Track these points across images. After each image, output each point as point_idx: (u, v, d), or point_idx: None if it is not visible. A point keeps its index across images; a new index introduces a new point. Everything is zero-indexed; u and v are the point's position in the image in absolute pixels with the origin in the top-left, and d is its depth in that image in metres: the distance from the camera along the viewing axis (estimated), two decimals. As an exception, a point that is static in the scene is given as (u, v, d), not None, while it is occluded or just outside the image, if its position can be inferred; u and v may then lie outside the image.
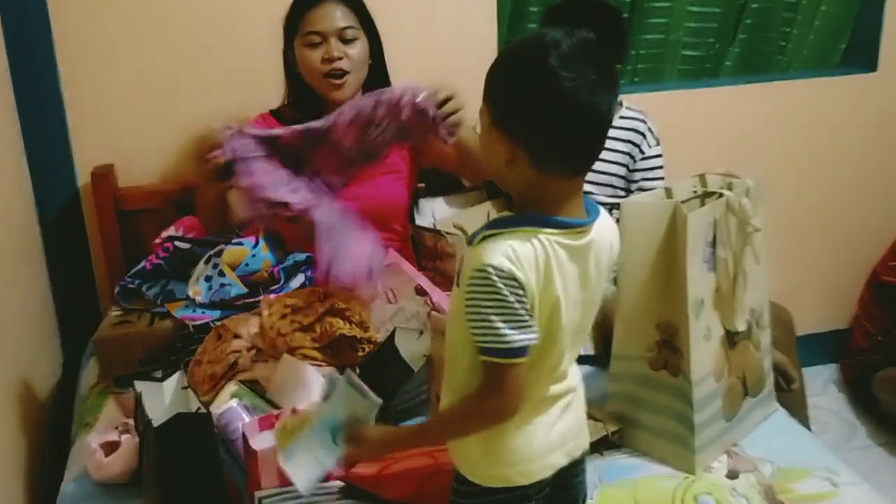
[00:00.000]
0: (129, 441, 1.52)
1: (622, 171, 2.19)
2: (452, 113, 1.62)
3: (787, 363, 1.97)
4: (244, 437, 1.43)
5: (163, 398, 1.60)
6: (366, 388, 1.22)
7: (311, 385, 1.56)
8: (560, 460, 1.20)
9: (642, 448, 1.57)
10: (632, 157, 2.19)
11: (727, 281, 1.55)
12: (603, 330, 1.73)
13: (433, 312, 1.63)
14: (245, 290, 1.84)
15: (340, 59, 1.92)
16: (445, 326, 1.45)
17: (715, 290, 1.54)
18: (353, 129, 1.62)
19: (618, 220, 1.44)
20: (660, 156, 2.21)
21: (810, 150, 2.72)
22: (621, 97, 2.25)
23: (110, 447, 1.53)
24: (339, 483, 1.44)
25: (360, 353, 1.69)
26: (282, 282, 1.86)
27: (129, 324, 1.86)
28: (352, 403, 1.22)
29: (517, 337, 1.06)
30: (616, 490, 1.46)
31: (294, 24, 1.96)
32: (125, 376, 1.77)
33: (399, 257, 1.85)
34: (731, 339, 1.59)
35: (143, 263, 1.98)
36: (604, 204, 2.13)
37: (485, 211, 2.13)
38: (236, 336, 1.70)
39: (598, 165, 2.15)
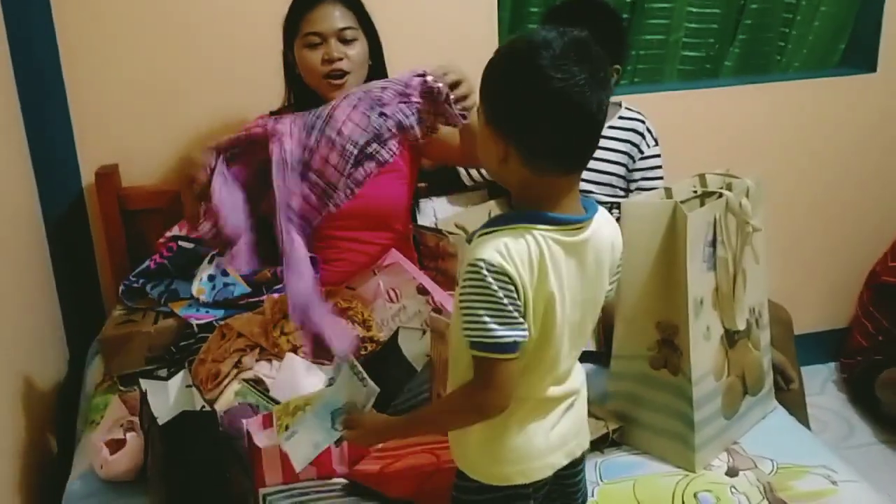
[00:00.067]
0: (134, 439, 1.53)
1: (621, 170, 2.20)
2: (463, 96, 1.61)
3: (785, 363, 1.98)
4: (248, 434, 1.44)
5: (167, 396, 1.61)
6: (365, 375, 1.24)
7: (313, 383, 1.58)
8: (560, 460, 1.21)
9: (643, 446, 1.58)
10: (631, 157, 2.20)
11: (727, 280, 1.56)
12: (605, 326, 1.74)
13: (432, 313, 1.64)
14: (248, 289, 1.85)
15: (340, 59, 1.93)
16: (444, 327, 1.47)
17: (715, 289, 1.55)
18: (357, 112, 1.59)
19: (618, 220, 1.45)
20: (659, 156, 2.22)
21: (810, 151, 2.72)
22: (620, 98, 2.26)
23: (116, 445, 1.54)
24: (342, 480, 1.46)
25: (363, 352, 1.70)
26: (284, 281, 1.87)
27: (134, 323, 1.87)
28: (352, 389, 1.25)
29: (504, 332, 1.07)
30: (617, 488, 1.47)
31: (293, 26, 1.97)
32: (130, 375, 1.79)
33: (401, 257, 1.86)
34: (731, 338, 1.60)
35: (147, 263, 1.99)
36: (603, 203, 2.14)
37: (487, 210, 2.13)
38: (240, 335, 1.71)
39: (597, 165, 2.16)
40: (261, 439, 1.42)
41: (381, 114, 1.57)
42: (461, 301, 1.09)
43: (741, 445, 1.60)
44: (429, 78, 1.58)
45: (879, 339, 2.75)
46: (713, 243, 1.53)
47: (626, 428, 1.59)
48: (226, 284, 1.86)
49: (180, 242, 1.97)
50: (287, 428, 1.27)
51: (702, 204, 1.60)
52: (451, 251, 1.98)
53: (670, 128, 2.34)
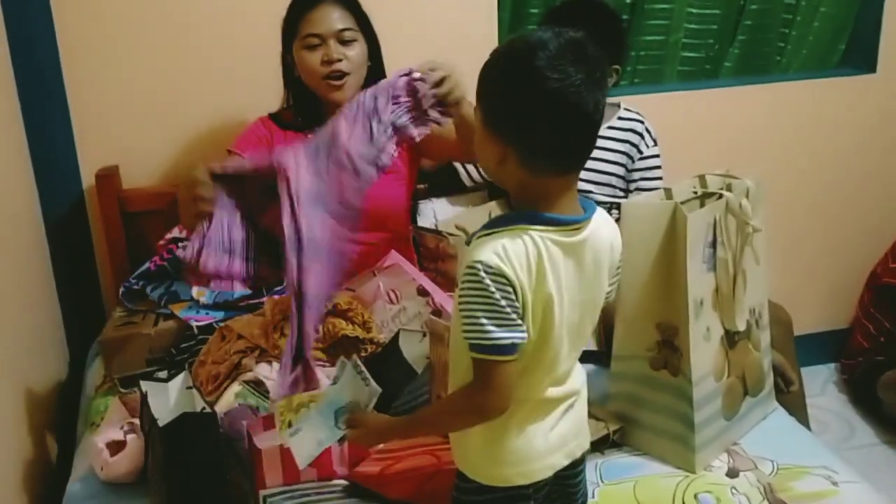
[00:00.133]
0: (134, 441, 1.53)
1: (621, 171, 2.20)
2: (447, 94, 1.60)
3: (785, 365, 1.98)
4: (248, 436, 1.44)
5: (168, 398, 1.61)
6: (368, 375, 1.25)
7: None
8: (560, 461, 1.21)
9: (643, 447, 1.58)
10: (630, 157, 2.20)
11: (727, 281, 1.56)
12: (605, 326, 1.74)
13: (431, 316, 1.64)
14: (248, 290, 1.85)
15: (339, 60, 1.93)
16: (443, 329, 1.47)
17: (715, 290, 1.55)
18: (359, 126, 1.57)
19: (617, 220, 1.45)
20: (658, 156, 2.23)
21: (809, 151, 2.72)
22: (619, 99, 2.26)
23: (116, 447, 1.54)
24: (342, 482, 1.46)
25: (363, 354, 1.70)
26: (284, 283, 1.87)
27: (134, 325, 1.88)
28: (355, 389, 1.25)
29: (502, 334, 1.07)
30: (617, 489, 1.47)
31: (292, 27, 1.97)
32: (130, 377, 1.79)
33: (401, 258, 1.86)
34: (731, 338, 1.60)
35: (147, 265, 1.99)
36: (603, 203, 2.14)
37: (487, 211, 2.13)
38: (240, 337, 1.72)
39: (596, 165, 2.17)
40: (261, 441, 1.42)
41: (379, 120, 1.56)
42: (460, 303, 1.09)
43: (741, 446, 1.60)
44: (415, 74, 1.58)
45: (881, 340, 2.75)
46: (713, 244, 1.54)
47: (627, 429, 1.59)
48: (226, 286, 1.86)
49: (180, 244, 1.97)
50: (290, 424, 1.28)
51: (702, 205, 1.60)
52: (451, 252, 1.98)
53: (670, 128, 2.34)
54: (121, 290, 1.98)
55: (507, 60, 1.11)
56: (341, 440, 1.28)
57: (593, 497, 1.41)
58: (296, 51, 1.97)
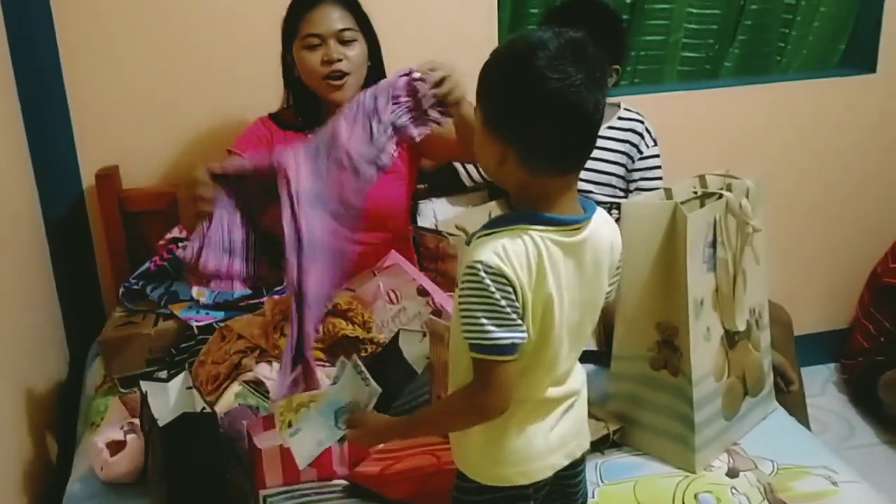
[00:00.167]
0: (134, 441, 1.53)
1: (621, 170, 2.21)
2: (447, 94, 1.60)
3: (785, 365, 1.98)
4: (248, 436, 1.44)
5: (168, 398, 1.61)
6: (368, 375, 1.25)
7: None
8: (560, 461, 1.21)
9: (643, 447, 1.58)
10: (630, 157, 2.21)
11: (727, 281, 1.56)
12: (606, 325, 1.74)
13: (431, 316, 1.64)
14: (248, 290, 1.85)
15: (339, 60, 1.93)
16: (442, 330, 1.47)
17: (715, 290, 1.55)
18: (359, 126, 1.56)
19: (617, 220, 1.45)
20: (658, 156, 2.23)
21: (809, 151, 2.73)
22: (619, 99, 2.26)
23: (116, 447, 1.54)
24: (342, 482, 1.46)
25: (363, 354, 1.70)
26: (284, 283, 1.87)
27: (134, 325, 1.88)
28: (355, 389, 1.25)
29: (502, 334, 1.07)
30: (617, 489, 1.47)
31: (292, 27, 1.97)
32: (130, 377, 1.79)
33: (401, 258, 1.86)
34: (731, 338, 1.60)
35: (147, 265, 2.00)
36: (603, 203, 2.15)
37: (487, 211, 2.13)
38: (240, 337, 1.72)
39: (597, 165, 2.17)
40: (261, 441, 1.42)
41: (379, 120, 1.56)
42: (460, 303, 1.09)
43: (741, 446, 1.60)
44: (415, 74, 1.58)
45: (881, 340, 2.75)
46: (713, 244, 1.54)
47: (627, 429, 1.59)
48: (226, 286, 1.86)
49: (180, 244, 1.97)
50: (290, 424, 1.28)
51: (702, 205, 1.60)
52: (451, 252, 1.98)
53: (670, 128, 2.34)
54: (121, 290, 1.98)
55: (508, 60, 1.11)
56: (341, 440, 1.28)
57: (593, 497, 1.41)
58: (296, 51, 1.97)
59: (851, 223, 2.84)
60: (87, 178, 2.22)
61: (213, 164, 1.55)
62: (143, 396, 1.52)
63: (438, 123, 1.63)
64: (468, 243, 1.14)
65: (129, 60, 2.20)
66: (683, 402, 1.51)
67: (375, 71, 2.02)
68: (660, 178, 2.21)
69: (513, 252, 1.08)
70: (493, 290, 1.06)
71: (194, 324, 1.84)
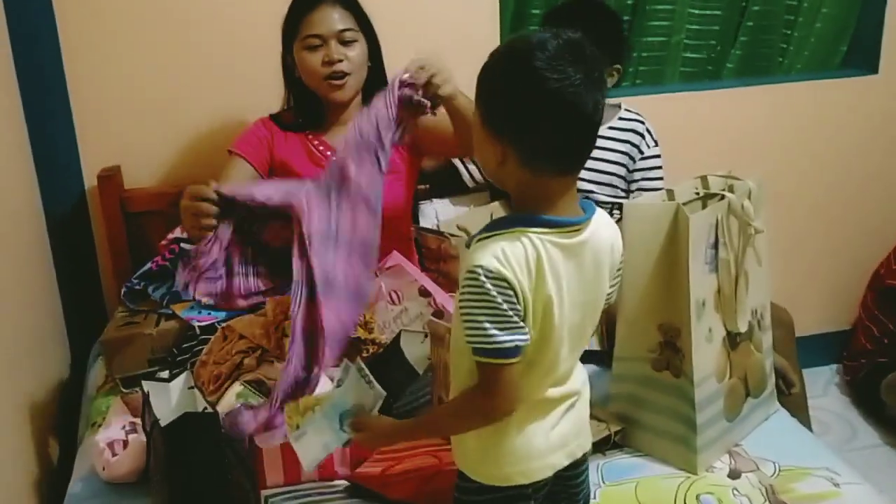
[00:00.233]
0: (136, 441, 1.53)
1: (622, 171, 2.21)
2: (438, 89, 1.61)
3: (787, 367, 1.98)
4: (250, 436, 1.44)
5: (169, 398, 1.61)
6: (372, 378, 1.25)
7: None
8: (560, 461, 1.21)
9: (645, 448, 1.58)
10: (631, 157, 2.21)
11: (729, 282, 1.56)
12: (608, 326, 1.74)
13: (432, 318, 1.64)
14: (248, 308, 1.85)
15: (340, 61, 1.93)
16: (443, 331, 1.47)
17: (717, 291, 1.55)
18: (367, 161, 1.57)
19: (619, 221, 1.45)
20: (658, 156, 2.23)
21: (811, 152, 2.72)
22: (619, 100, 2.27)
23: (118, 447, 1.54)
24: (343, 482, 1.46)
25: (365, 355, 1.70)
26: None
27: (136, 325, 1.88)
28: (359, 392, 1.25)
29: (505, 338, 1.07)
30: (618, 490, 1.47)
31: (292, 28, 1.97)
32: (132, 377, 1.79)
33: (403, 258, 1.86)
34: (733, 340, 1.59)
35: (148, 265, 1.99)
36: (605, 203, 2.16)
37: (489, 212, 2.13)
38: (241, 337, 1.71)
39: (598, 165, 2.17)
40: (262, 441, 1.42)
41: (384, 149, 1.56)
42: (461, 308, 1.10)
43: (743, 447, 1.60)
44: (404, 76, 1.58)
45: (884, 342, 2.74)
46: (715, 245, 1.53)
47: (628, 430, 1.59)
48: (227, 286, 1.86)
49: (182, 244, 1.97)
50: (298, 427, 1.28)
51: (704, 206, 1.60)
52: (452, 253, 1.98)
53: (672, 129, 2.34)
54: (122, 290, 1.98)
55: (507, 61, 1.11)
56: (346, 443, 1.28)
57: (595, 498, 1.41)
58: (296, 51, 1.97)
59: (853, 224, 2.84)
60: (89, 178, 2.23)
61: (224, 185, 1.57)
62: (145, 396, 1.52)
63: (426, 112, 1.63)
64: (468, 246, 1.15)
65: (131, 60, 2.20)
66: (685, 404, 1.51)
67: (376, 71, 2.02)
68: (660, 179, 2.22)
69: (512, 255, 1.08)
70: (494, 293, 1.06)
71: (196, 324, 1.84)
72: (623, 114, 2.24)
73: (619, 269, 1.25)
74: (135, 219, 2.21)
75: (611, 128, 2.20)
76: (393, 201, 2.04)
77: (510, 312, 1.07)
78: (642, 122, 2.23)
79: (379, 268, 1.87)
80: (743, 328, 1.58)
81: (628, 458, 1.56)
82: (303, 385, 1.43)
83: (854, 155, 2.76)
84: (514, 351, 1.09)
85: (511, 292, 1.07)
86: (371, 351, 1.71)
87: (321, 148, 2.04)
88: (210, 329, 1.81)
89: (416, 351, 1.64)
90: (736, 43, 2.69)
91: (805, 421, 2.12)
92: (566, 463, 1.22)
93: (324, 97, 2.00)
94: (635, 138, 2.21)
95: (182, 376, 1.68)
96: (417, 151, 2.08)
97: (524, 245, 1.09)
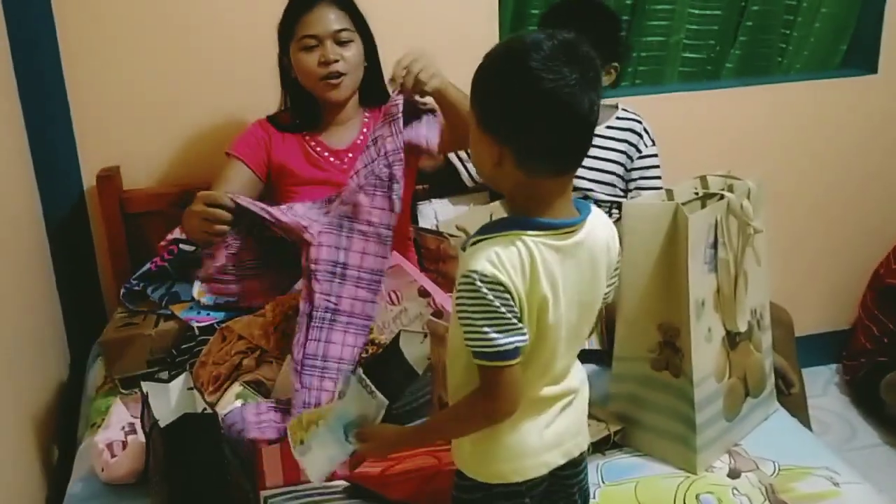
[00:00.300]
0: (135, 441, 1.53)
1: (621, 170, 2.21)
2: (426, 84, 1.64)
3: (787, 367, 1.98)
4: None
5: (169, 399, 1.61)
6: (374, 388, 1.25)
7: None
8: (556, 459, 1.21)
9: (644, 448, 1.58)
10: (629, 156, 2.21)
11: (728, 282, 1.56)
12: (608, 325, 1.74)
13: (431, 318, 1.64)
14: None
15: (336, 61, 1.93)
16: (443, 331, 1.47)
17: (716, 291, 1.55)
18: (378, 197, 1.60)
19: (618, 220, 1.45)
20: (656, 155, 2.24)
21: (811, 152, 2.72)
22: (616, 100, 2.27)
23: (117, 448, 1.54)
24: (343, 483, 1.46)
25: (364, 355, 1.70)
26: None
27: (135, 325, 1.88)
28: (362, 402, 1.25)
29: (504, 340, 1.08)
30: (618, 489, 1.47)
31: (288, 29, 1.97)
32: (131, 377, 1.79)
33: (402, 259, 1.86)
34: (733, 339, 1.60)
35: (147, 265, 1.99)
36: (604, 202, 2.16)
37: (488, 212, 2.13)
38: (240, 337, 1.71)
39: (597, 164, 2.18)
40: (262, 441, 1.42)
41: (397, 182, 1.60)
42: (459, 313, 1.10)
43: (743, 447, 1.60)
44: (398, 101, 1.61)
45: (884, 341, 2.74)
46: (714, 245, 1.53)
47: (628, 430, 1.59)
48: (227, 287, 1.86)
49: (181, 245, 1.97)
50: (302, 442, 1.28)
51: (703, 205, 1.60)
52: (452, 253, 1.98)
53: (671, 129, 2.34)
54: (121, 290, 1.98)
55: (502, 61, 1.11)
56: (352, 454, 1.28)
57: (594, 498, 1.41)
58: (292, 52, 1.97)
59: (853, 224, 2.84)
60: (88, 179, 2.23)
61: (240, 196, 1.60)
62: (144, 397, 1.52)
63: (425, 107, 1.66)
64: (463, 249, 1.15)
65: (130, 62, 2.20)
66: (685, 403, 1.51)
67: (372, 72, 2.02)
68: (658, 178, 2.22)
69: (506, 258, 1.09)
70: (490, 297, 1.07)
71: (195, 324, 1.84)
72: (621, 113, 2.24)
73: (616, 269, 1.25)
74: (134, 219, 2.21)
75: (609, 127, 2.21)
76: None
77: (508, 315, 1.08)
78: (640, 122, 2.24)
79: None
80: (742, 328, 1.58)
81: (628, 458, 1.56)
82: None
83: (854, 155, 2.76)
84: (514, 352, 1.09)
85: (507, 295, 1.08)
86: (370, 351, 1.71)
87: (318, 149, 2.03)
88: (209, 330, 1.81)
89: (415, 351, 1.63)
90: (735, 43, 2.68)
91: (805, 420, 2.12)
92: (562, 461, 1.22)
93: (320, 98, 2.00)
94: (633, 137, 2.21)
95: (181, 377, 1.67)
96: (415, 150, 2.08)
97: (518, 248, 1.10)
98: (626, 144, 2.21)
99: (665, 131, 2.28)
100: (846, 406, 2.77)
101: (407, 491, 1.41)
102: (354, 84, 1.99)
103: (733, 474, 1.52)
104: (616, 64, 2.13)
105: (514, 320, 1.09)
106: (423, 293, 1.75)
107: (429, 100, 1.73)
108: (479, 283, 1.07)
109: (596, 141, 2.06)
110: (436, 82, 1.66)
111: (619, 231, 1.25)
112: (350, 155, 2.02)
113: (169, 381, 1.67)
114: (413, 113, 1.65)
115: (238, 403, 1.58)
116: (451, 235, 2.02)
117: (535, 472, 1.19)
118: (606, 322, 1.77)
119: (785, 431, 1.68)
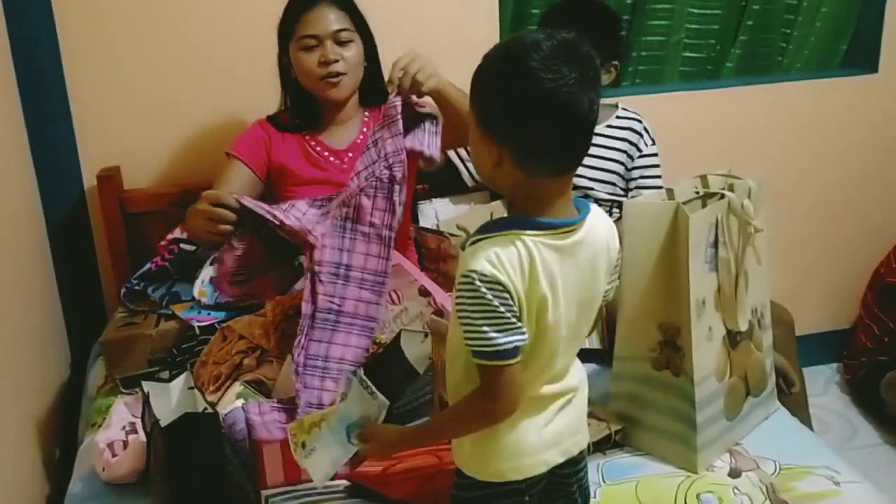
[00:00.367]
0: (136, 441, 1.53)
1: (621, 168, 2.22)
2: (423, 84, 1.64)
3: (787, 366, 1.98)
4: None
5: (169, 399, 1.61)
6: (375, 389, 1.25)
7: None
8: (555, 458, 1.21)
9: (645, 447, 1.58)
10: (629, 155, 2.22)
11: (729, 281, 1.56)
12: (608, 324, 1.74)
13: (433, 316, 1.64)
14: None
15: (336, 61, 1.93)
16: (444, 329, 1.47)
17: (717, 290, 1.55)
18: (380, 199, 1.61)
19: (619, 220, 1.45)
20: (656, 154, 2.24)
21: (811, 151, 2.72)
22: (616, 100, 2.27)
23: (118, 447, 1.54)
24: (344, 482, 1.46)
25: (365, 355, 1.70)
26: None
27: (135, 325, 1.88)
28: (363, 403, 1.26)
29: (504, 339, 1.08)
30: (619, 489, 1.47)
31: (288, 28, 1.97)
32: (132, 377, 1.79)
33: (402, 258, 1.86)
34: (733, 339, 1.59)
35: (148, 265, 1.99)
36: (605, 201, 2.16)
37: (489, 211, 2.14)
38: (241, 337, 1.71)
39: (598, 163, 2.18)
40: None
41: (400, 186, 1.60)
42: (458, 312, 1.10)
43: (743, 446, 1.60)
44: (396, 103, 1.62)
45: (885, 340, 2.74)
46: (715, 244, 1.53)
47: (628, 429, 1.59)
48: (227, 286, 1.86)
49: (182, 245, 1.97)
50: (304, 446, 1.28)
51: (703, 205, 1.60)
52: (452, 253, 1.98)
53: (671, 129, 2.34)
54: (122, 290, 1.98)
55: (502, 61, 1.11)
56: (355, 455, 1.29)
57: (595, 497, 1.41)
58: (292, 52, 1.97)
59: (853, 223, 2.84)
60: (89, 179, 2.23)
61: (245, 197, 1.61)
62: (145, 397, 1.52)
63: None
64: (463, 248, 1.15)
65: (131, 61, 2.20)
66: (685, 403, 1.51)
67: (372, 71, 2.02)
68: (658, 177, 2.23)
69: (505, 258, 1.09)
70: (490, 297, 1.07)
71: (196, 324, 1.84)
72: (621, 112, 2.25)
73: (616, 267, 1.25)
74: (134, 219, 2.21)
75: (609, 126, 2.21)
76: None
77: (507, 314, 1.08)
78: (640, 121, 2.24)
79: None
80: (743, 327, 1.58)
81: (628, 458, 1.56)
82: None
83: (854, 154, 2.76)
84: (514, 352, 1.09)
85: (507, 295, 1.08)
86: (371, 351, 1.71)
87: (318, 149, 2.03)
88: (210, 329, 1.81)
89: (416, 350, 1.64)
90: (735, 42, 2.68)
91: (805, 420, 2.12)
92: (560, 460, 1.22)
93: (320, 97, 2.00)
94: (633, 136, 2.22)
95: (182, 377, 1.68)
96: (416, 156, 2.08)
97: (517, 248, 1.10)
98: (626, 143, 2.21)
99: (665, 131, 2.28)
100: (847, 405, 2.77)
101: (408, 490, 1.41)
102: (354, 84, 1.99)
103: (734, 473, 1.52)
104: (616, 62, 2.14)
105: (514, 320, 1.09)
106: (424, 292, 1.75)
107: (428, 100, 1.73)
108: (478, 283, 1.07)
109: (596, 140, 2.06)
110: (433, 82, 1.67)
111: (619, 230, 1.25)
112: (350, 154, 2.02)
113: (170, 380, 1.67)
114: (413, 119, 1.65)
115: (239, 403, 1.58)
116: (452, 235, 2.02)
117: (534, 471, 1.19)
118: (607, 321, 1.77)
119: (786, 431, 1.68)
